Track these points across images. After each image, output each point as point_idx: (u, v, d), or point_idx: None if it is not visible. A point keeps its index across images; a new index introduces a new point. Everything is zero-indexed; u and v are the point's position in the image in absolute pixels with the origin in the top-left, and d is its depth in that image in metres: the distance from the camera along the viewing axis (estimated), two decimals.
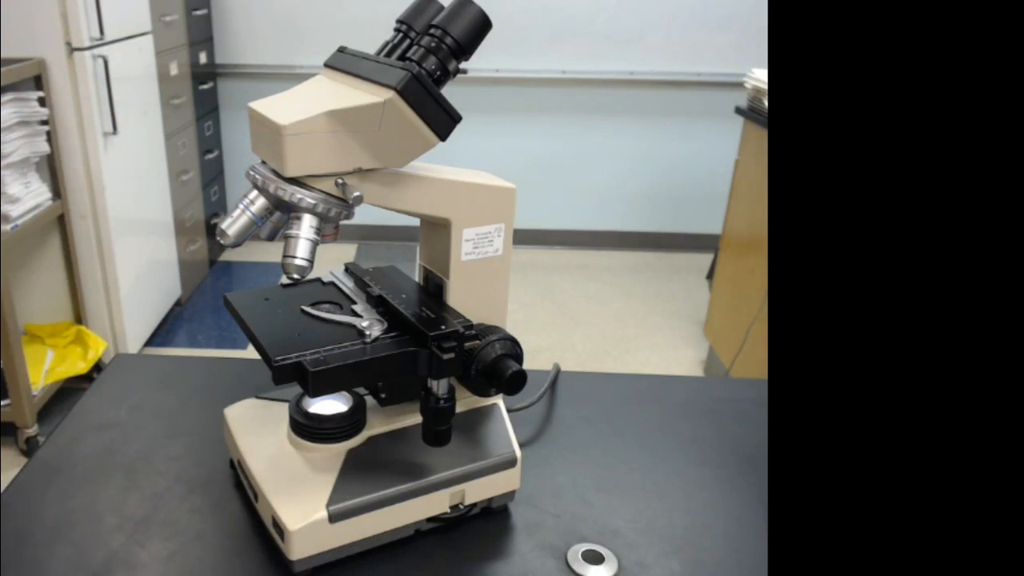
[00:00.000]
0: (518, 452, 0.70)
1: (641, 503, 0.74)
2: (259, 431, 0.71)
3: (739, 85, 2.36)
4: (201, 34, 3.20)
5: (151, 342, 2.72)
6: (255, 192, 0.61)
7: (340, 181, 0.59)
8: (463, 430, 0.70)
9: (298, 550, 0.62)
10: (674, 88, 3.50)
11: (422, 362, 0.63)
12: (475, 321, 0.66)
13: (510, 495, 0.71)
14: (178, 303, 2.95)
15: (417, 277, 0.75)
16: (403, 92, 0.57)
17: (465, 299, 0.70)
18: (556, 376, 0.93)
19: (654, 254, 3.75)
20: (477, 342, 0.65)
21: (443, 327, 0.64)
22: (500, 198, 0.69)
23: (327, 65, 0.65)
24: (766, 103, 2.16)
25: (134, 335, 2.53)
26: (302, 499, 0.63)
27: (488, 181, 0.69)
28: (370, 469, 0.66)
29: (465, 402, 0.71)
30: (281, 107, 0.59)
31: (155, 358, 0.97)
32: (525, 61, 3.40)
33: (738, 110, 2.37)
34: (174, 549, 0.66)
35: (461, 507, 0.68)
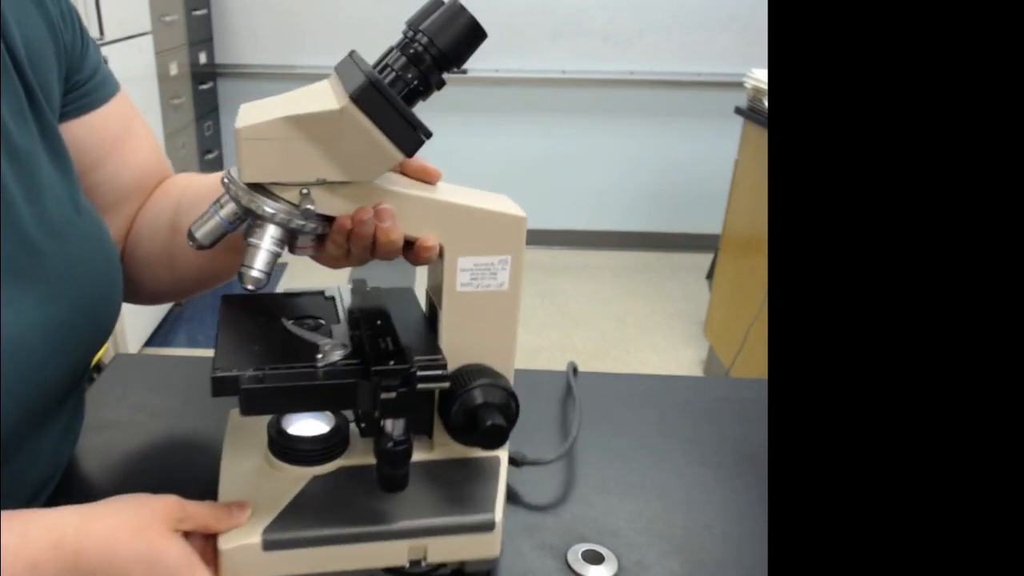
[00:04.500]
0: (497, 517, 0.62)
1: (641, 503, 0.74)
2: (249, 439, 0.68)
3: (739, 85, 2.36)
4: (201, 34, 3.20)
5: (151, 342, 2.72)
6: (227, 196, 0.59)
7: (305, 191, 0.56)
8: (444, 480, 0.65)
9: (229, 572, 0.58)
10: (674, 88, 3.50)
11: (363, 396, 0.58)
12: (474, 362, 0.62)
13: (490, 561, 0.64)
14: (178, 303, 2.95)
15: (424, 303, 0.70)
16: (358, 100, 0.53)
17: (460, 335, 0.63)
18: (574, 374, 0.92)
19: (654, 254, 3.75)
20: (443, 384, 0.59)
21: (391, 362, 0.58)
22: (505, 227, 0.62)
23: (336, 69, 0.64)
24: (766, 103, 2.16)
25: (134, 335, 2.53)
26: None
27: (494, 206, 0.62)
28: (325, 501, 0.62)
29: (464, 450, 0.66)
30: (256, 110, 0.57)
31: (155, 358, 0.97)
32: (525, 61, 3.40)
33: (738, 110, 2.37)
34: None
35: (424, 564, 0.62)
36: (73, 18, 0.69)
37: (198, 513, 0.58)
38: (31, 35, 0.62)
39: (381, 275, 0.74)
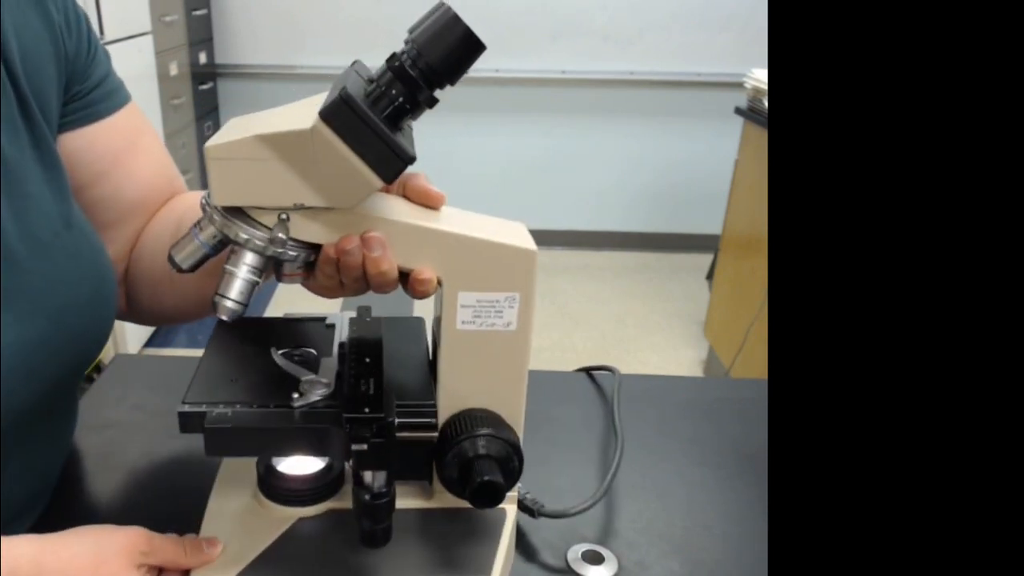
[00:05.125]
0: None
1: (641, 503, 0.74)
2: (246, 471, 0.63)
3: (739, 85, 2.36)
4: (201, 34, 3.20)
5: (151, 342, 2.72)
6: (206, 219, 0.55)
7: (284, 216, 0.52)
8: (438, 534, 0.59)
9: None
10: (674, 88, 3.50)
11: (335, 444, 0.54)
12: (476, 407, 0.58)
13: None
14: None
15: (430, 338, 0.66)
16: (328, 118, 0.48)
17: (461, 377, 0.58)
18: (619, 386, 0.90)
19: (654, 254, 3.75)
20: (430, 434, 0.55)
21: (366, 408, 0.53)
22: (511, 261, 0.56)
23: (335, 81, 0.60)
24: (766, 103, 2.16)
25: (134, 335, 2.53)
26: (219, 559, 0.57)
27: (501, 237, 0.56)
28: (306, 549, 0.57)
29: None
30: (239, 125, 0.53)
31: (155, 358, 0.97)
32: (525, 61, 3.40)
33: (738, 110, 2.37)
34: None
35: None
36: (80, 24, 0.66)
37: (165, 548, 0.55)
38: (29, 43, 0.60)
39: (391, 302, 0.70)
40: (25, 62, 0.60)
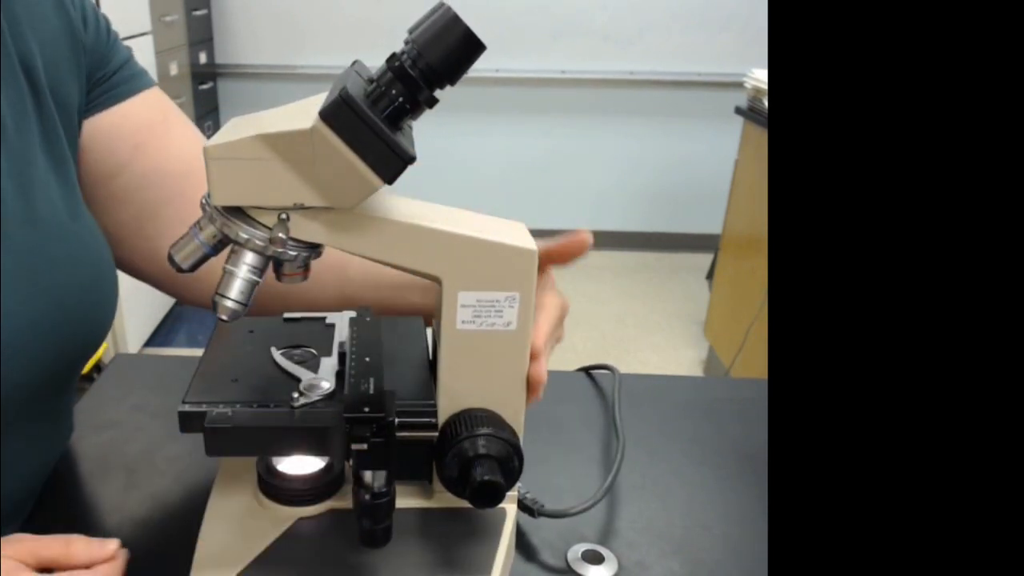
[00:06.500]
0: None
1: (641, 503, 0.74)
2: (248, 470, 0.63)
3: (739, 85, 2.36)
4: (201, 34, 3.20)
5: (151, 342, 2.72)
6: (206, 219, 0.55)
7: (284, 216, 0.52)
8: (438, 534, 0.59)
9: None
10: (674, 88, 3.50)
11: (335, 444, 0.54)
12: (476, 407, 0.58)
13: None
14: (178, 303, 2.95)
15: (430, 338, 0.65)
16: (327, 118, 0.48)
17: (461, 377, 0.58)
18: (619, 385, 0.90)
19: (654, 254, 3.75)
20: (430, 433, 0.56)
21: (366, 408, 0.53)
22: (511, 260, 0.56)
23: (336, 80, 0.61)
24: (766, 103, 2.16)
25: (134, 335, 2.53)
26: (218, 559, 0.56)
27: (501, 237, 0.56)
28: (305, 550, 0.57)
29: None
30: (239, 125, 0.53)
31: (155, 358, 0.97)
32: (525, 61, 3.40)
33: (738, 110, 2.37)
34: (173, 550, 0.66)
35: None
36: (97, 19, 0.69)
37: (51, 546, 0.54)
38: (47, 36, 0.63)
39: None
40: (44, 56, 0.62)
